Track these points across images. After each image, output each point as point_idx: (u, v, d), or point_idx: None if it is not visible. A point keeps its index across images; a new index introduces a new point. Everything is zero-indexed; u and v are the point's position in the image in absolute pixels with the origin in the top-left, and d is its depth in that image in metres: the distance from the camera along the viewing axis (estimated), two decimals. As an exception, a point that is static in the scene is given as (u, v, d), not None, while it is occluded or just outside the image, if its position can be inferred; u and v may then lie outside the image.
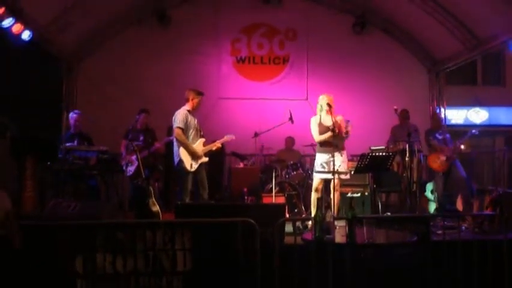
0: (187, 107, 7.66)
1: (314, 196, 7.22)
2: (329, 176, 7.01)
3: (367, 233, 4.44)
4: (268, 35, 12.21)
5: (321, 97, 7.51)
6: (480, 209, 7.80)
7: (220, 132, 8.37)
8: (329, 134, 7.13)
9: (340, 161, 7.19)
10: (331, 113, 7.16)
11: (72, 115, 8.81)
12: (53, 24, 9.56)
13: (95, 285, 4.66)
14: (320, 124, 7.34)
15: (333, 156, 6.98)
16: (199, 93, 7.76)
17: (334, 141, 7.14)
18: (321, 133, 7.30)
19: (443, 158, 8.63)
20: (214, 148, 7.80)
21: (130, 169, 8.56)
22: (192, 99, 7.67)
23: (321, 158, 7.30)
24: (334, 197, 6.96)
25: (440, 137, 8.94)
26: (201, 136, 7.75)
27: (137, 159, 7.69)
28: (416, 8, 10.67)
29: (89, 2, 9.77)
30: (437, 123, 9.12)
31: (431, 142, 9.08)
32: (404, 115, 9.55)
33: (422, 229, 5.65)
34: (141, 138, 8.87)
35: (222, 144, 8.09)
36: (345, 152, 7.38)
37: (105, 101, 11.08)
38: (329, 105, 7.26)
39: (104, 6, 10.40)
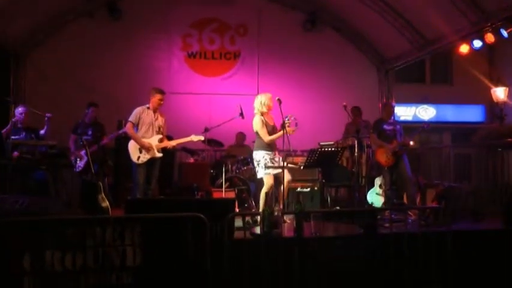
0: (149, 104, 7.85)
1: (264, 191, 7.29)
2: (279, 170, 7.10)
3: (315, 226, 4.55)
4: (220, 31, 12.28)
5: (264, 96, 7.46)
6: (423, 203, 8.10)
7: (171, 127, 8.40)
8: (280, 133, 7.16)
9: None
10: (281, 111, 7.24)
11: (20, 109, 8.63)
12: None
13: (43, 283, 4.60)
14: (267, 124, 7.40)
15: (275, 153, 7.25)
16: (158, 92, 7.88)
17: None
18: (268, 133, 7.36)
19: (389, 152, 8.39)
20: (169, 146, 7.86)
21: (80, 164, 8.49)
22: (151, 97, 7.85)
23: (268, 155, 7.30)
24: (283, 191, 7.06)
25: (388, 128, 8.54)
26: (160, 133, 7.84)
27: (86, 154, 7.63)
28: (366, 8, 10.91)
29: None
30: (388, 113, 8.77)
31: (372, 134, 8.71)
32: (355, 112, 9.75)
33: (370, 222, 5.82)
34: (90, 132, 8.77)
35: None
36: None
37: (55, 95, 10.90)
38: (279, 101, 7.32)
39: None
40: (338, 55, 12.48)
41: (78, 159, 8.46)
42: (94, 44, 11.48)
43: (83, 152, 8.25)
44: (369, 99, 12.02)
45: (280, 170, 7.05)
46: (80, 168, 8.46)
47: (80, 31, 11.47)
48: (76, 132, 8.70)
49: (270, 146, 7.32)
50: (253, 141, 7.99)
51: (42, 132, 8.47)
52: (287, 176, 7.04)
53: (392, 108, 8.94)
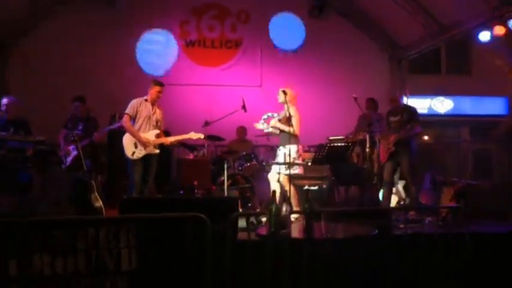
0: (147, 96, 7.83)
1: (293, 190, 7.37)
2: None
3: (326, 227, 4.50)
4: (220, 17, 12.24)
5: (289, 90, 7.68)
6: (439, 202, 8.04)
7: (168, 121, 8.35)
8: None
9: None
10: (286, 104, 7.36)
11: (4, 100, 8.53)
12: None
13: (31, 289, 4.57)
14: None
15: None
16: (157, 83, 7.90)
17: None
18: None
19: (384, 147, 8.19)
20: (166, 143, 7.84)
21: (68, 159, 8.38)
22: (149, 90, 7.84)
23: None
24: (291, 189, 7.07)
25: (394, 119, 8.27)
26: (158, 128, 7.83)
27: (77, 149, 7.57)
28: (377, -9, 10.84)
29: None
30: (392, 101, 8.58)
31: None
32: (369, 104, 9.61)
33: (383, 223, 5.77)
34: (81, 127, 8.66)
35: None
36: None
37: (43, 87, 10.89)
38: (285, 92, 7.45)
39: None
40: (347, 43, 12.42)
41: (67, 155, 8.38)
42: (84, 33, 11.40)
43: (71, 147, 8.18)
44: (381, 90, 11.86)
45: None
46: (68, 164, 8.36)
47: (70, 19, 11.38)
48: (66, 127, 8.62)
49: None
50: (266, 136, 8.13)
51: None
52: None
53: (395, 97, 8.74)
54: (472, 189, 7.91)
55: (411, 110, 8.33)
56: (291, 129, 7.39)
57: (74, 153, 8.03)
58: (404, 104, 8.57)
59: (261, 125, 7.92)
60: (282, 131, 7.66)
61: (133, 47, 11.65)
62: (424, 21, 10.76)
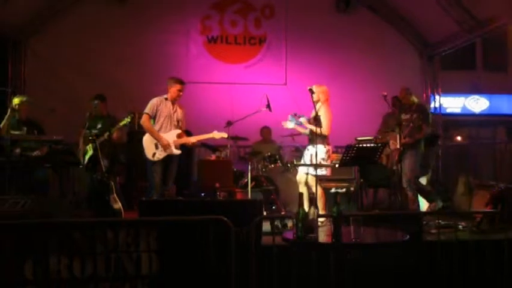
0: (167, 95, 7.86)
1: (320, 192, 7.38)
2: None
3: (354, 231, 4.45)
4: (243, 12, 12.18)
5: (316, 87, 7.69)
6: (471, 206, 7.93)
7: (189, 120, 8.36)
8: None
9: None
10: (313, 103, 7.41)
11: (16, 100, 8.61)
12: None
13: (47, 292, 4.59)
14: None
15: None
16: (177, 81, 7.90)
17: None
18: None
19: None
20: (188, 143, 7.85)
21: (85, 159, 8.42)
22: (169, 88, 7.86)
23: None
24: (317, 191, 7.05)
25: (405, 117, 8.16)
26: (179, 128, 7.86)
27: (96, 149, 7.62)
28: (407, -16, 10.75)
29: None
30: (403, 98, 8.42)
31: None
32: (395, 102, 9.53)
33: (414, 228, 5.71)
34: (99, 126, 8.69)
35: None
36: None
37: (58, 85, 10.93)
38: (311, 91, 7.46)
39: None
40: (375, 39, 12.29)
41: (84, 155, 8.43)
42: (101, 29, 11.41)
43: (87, 147, 8.25)
44: (411, 88, 11.76)
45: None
46: (85, 163, 8.40)
47: (85, 15, 11.39)
48: (85, 126, 8.66)
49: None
50: (291, 136, 8.13)
51: None
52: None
53: (406, 90, 8.59)
54: (510, 193, 7.76)
55: (421, 109, 8.25)
56: (318, 129, 7.35)
57: (92, 152, 8.07)
58: (416, 102, 8.38)
59: (289, 122, 7.87)
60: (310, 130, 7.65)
61: (152, 42, 11.66)
62: (458, 16, 10.63)
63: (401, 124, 7.92)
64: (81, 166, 8.37)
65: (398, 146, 7.93)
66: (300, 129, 7.97)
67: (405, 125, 8.09)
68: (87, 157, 8.39)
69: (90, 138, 7.85)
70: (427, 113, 8.18)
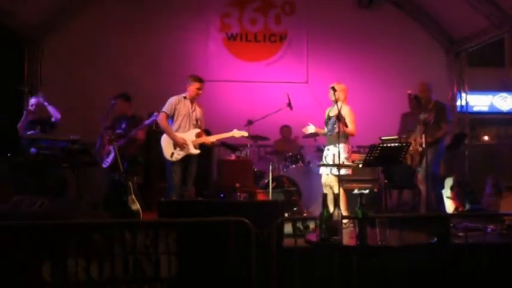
0: (186, 93, 7.88)
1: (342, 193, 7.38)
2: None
3: (380, 234, 4.42)
4: (263, 9, 12.20)
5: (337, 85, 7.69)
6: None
7: (208, 119, 8.36)
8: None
9: None
10: (336, 101, 7.47)
11: (33, 100, 8.67)
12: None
13: (65, 294, 4.61)
14: None
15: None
16: (196, 80, 7.91)
17: None
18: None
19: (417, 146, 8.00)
20: (207, 142, 7.87)
21: (108, 160, 8.44)
22: (188, 86, 7.88)
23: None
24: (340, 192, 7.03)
25: (423, 117, 7.85)
26: (198, 127, 7.88)
27: (114, 149, 7.64)
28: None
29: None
30: (422, 95, 8.08)
31: None
32: (414, 102, 9.39)
33: (441, 230, 5.66)
34: (123, 126, 8.61)
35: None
36: None
37: (75, 84, 10.99)
38: (334, 89, 7.48)
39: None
40: (399, 35, 12.23)
41: (109, 154, 8.41)
42: (118, 27, 11.46)
43: (111, 147, 8.26)
44: (436, 86, 11.67)
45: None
46: (107, 164, 8.41)
47: (102, 13, 11.46)
48: (106, 126, 8.66)
49: None
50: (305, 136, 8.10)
51: (53, 119, 8.53)
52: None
53: (426, 86, 8.41)
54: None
55: (441, 107, 8.15)
56: (345, 129, 7.35)
57: (113, 153, 8.10)
58: (433, 101, 8.27)
59: (309, 128, 7.90)
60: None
61: (170, 40, 11.69)
62: (486, 11, 10.52)
63: (421, 124, 7.84)
64: (104, 166, 8.39)
65: (418, 147, 7.86)
66: (320, 131, 7.97)
67: (425, 125, 7.93)
68: (109, 158, 8.41)
69: (108, 138, 7.87)
70: (446, 111, 8.07)
